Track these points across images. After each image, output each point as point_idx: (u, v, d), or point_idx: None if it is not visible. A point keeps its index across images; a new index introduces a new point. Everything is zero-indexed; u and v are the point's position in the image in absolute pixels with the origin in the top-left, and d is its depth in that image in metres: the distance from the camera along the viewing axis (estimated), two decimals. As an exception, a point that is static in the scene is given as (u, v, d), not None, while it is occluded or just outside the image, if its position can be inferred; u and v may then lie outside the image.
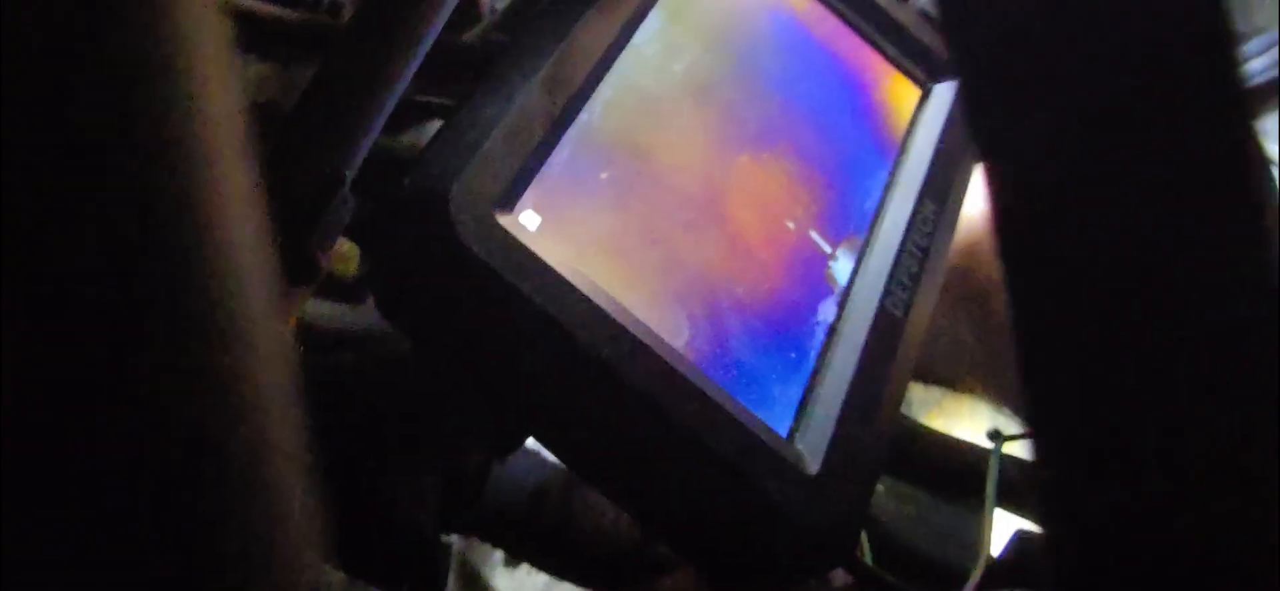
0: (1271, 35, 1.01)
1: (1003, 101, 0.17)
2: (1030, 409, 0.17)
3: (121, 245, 0.13)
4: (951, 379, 0.60)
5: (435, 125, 0.45)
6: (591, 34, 0.37)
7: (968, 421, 0.57)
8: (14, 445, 0.13)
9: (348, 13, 0.44)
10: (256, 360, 0.14)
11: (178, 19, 0.13)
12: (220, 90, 0.14)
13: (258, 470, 0.14)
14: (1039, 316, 0.17)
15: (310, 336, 0.40)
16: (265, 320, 0.14)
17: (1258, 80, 1.02)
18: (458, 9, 0.35)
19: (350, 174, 0.32)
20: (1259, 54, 1.01)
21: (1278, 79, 1.01)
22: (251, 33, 0.39)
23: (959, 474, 0.50)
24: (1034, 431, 0.18)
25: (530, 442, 0.41)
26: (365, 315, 0.40)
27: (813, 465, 0.34)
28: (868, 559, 0.57)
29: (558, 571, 0.43)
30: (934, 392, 0.60)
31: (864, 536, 0.55)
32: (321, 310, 0.40)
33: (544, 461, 0.43)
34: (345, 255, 0.34)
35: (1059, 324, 0.17)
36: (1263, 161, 0.17)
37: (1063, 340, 0.17)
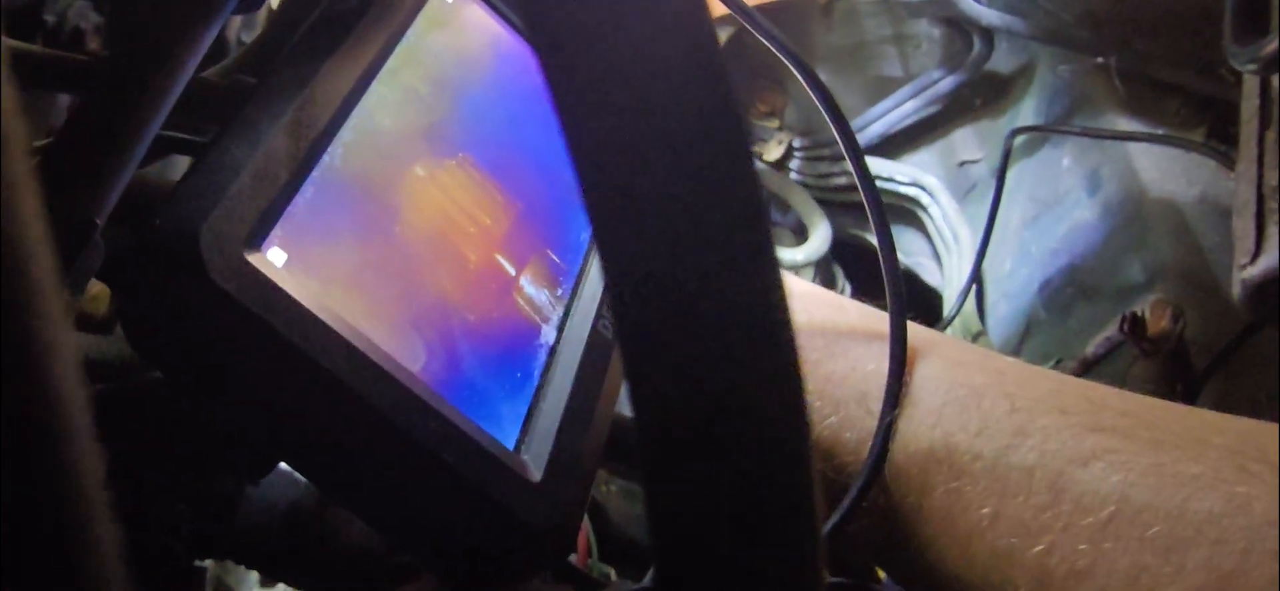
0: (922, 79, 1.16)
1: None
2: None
3: None
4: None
5: (177, 160, 0.46)
6: (334, 78, 0.39)
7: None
8: None
9: (91, 41, 0.43)
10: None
11: None
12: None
13: None
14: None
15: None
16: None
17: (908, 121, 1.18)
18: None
19: (101, 220, 0.32)
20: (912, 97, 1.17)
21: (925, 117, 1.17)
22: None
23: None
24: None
25: (282, 465, 0.42)
26: (114, 344, 0.40)
27: (536, 473, 0.39)
28: (594, 552, 0.62)
29: (311, 588, 0.45)
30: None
31: (591, 531, 0.60)
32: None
33: (295, 482, 0.44)
34: (96, 295, 0.34)
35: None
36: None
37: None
